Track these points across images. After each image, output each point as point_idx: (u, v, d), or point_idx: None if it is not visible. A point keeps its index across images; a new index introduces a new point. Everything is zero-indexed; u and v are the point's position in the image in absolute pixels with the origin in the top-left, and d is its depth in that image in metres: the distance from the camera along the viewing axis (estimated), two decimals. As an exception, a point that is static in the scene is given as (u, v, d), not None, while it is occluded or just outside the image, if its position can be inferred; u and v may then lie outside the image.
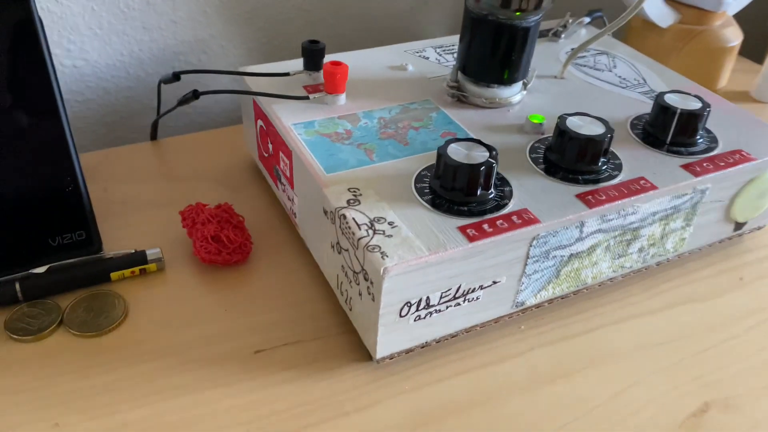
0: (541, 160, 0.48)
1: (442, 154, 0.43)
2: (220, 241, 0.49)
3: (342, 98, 0.53)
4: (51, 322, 0.44)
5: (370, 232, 0.40)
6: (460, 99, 0.55)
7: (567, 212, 0.43)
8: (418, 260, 0.39)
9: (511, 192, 0.45)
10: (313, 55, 0.55)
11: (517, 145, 0.50)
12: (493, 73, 0.53)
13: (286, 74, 0.55)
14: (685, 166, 0.48)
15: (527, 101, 0.56)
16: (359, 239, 0.40)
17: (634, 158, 0.49)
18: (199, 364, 0.43)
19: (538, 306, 0.47)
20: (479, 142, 0.44)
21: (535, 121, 0.51)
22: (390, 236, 0.40)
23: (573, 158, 0.46)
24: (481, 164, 0.42)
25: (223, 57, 0.77)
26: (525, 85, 0.56)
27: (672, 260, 0.53)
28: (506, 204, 0.43)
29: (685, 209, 0.49)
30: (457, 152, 0.43)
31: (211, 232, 0.49)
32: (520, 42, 0.51)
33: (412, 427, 0.40)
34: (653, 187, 0.46)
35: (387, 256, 0.38)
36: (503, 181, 0.45)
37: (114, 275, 0.48)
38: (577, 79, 0.60)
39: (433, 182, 0.44)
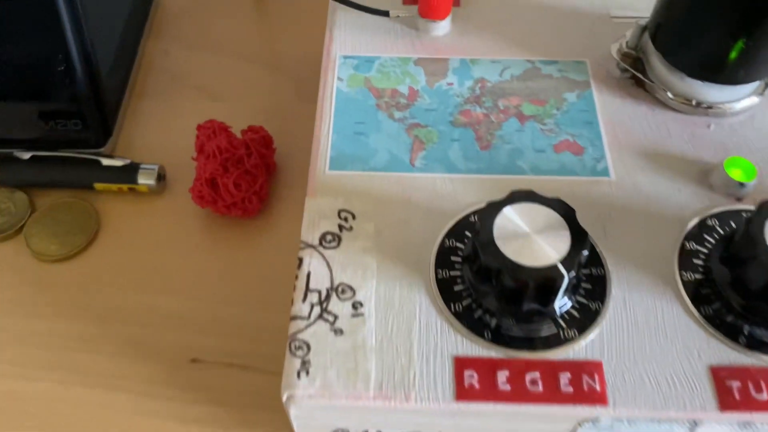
0: (699, 269, 0.26)
1: (482, 223, 0.24)
2: (217, 188, 0.37)
3: (441, 26, 0.34)
4: (11, 226, 0.38)
5: (317, 310, 0.25)
6: (636, 79, 0.32)
7: (671, 400, 0.23)
8: (350, 398, 0.23)
9: (596, 315, 0.25)
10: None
11: (675, 212, 0.28)
12: (703, 56, 0.29)
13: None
14: None
15: (762, 116, 0.31)
16: (294, 318, 0.25)
17: None
18: (118, 351, 0.34)
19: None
20: (567, 215, 0.24)
21: (734, 174, 0.28)
22: (340, 332, 0.24)
23: (757, 297, 0.24)
24: (532, 271, 0.23)
25: None
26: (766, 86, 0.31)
27: None
28: (571, 339, 0.24)
29: None
30: (511, 228, 0.24)
31: (208, 173, 0.36)
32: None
33: None
34: None
35: (306, 375, 0.24)
36: (596, 290, 0.26)
37: (98, 186, 0.39)
38: None
39: (467, 252, 0.26)
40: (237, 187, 0.36)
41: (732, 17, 0.27)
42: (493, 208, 0.24)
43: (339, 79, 0.32)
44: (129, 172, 0.38)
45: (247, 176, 0.37)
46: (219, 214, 0.38)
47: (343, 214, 0.27)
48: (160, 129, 0.42)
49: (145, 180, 0.38)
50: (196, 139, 0.38)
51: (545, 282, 0.23)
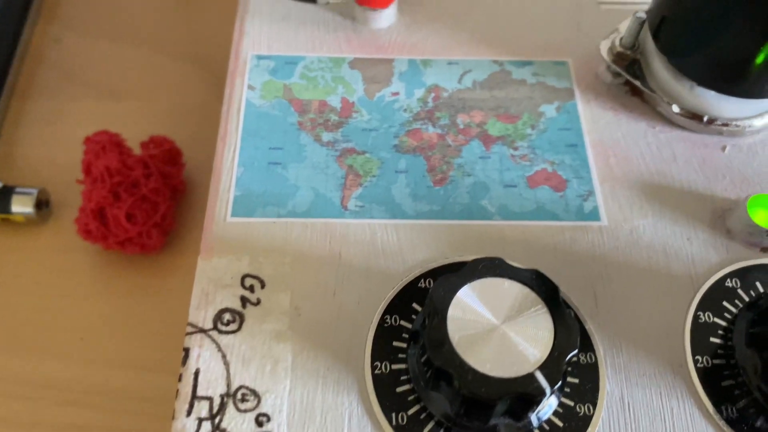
0: (719, 351, 0.20)
1: (432, 309, 0.17)
2: (107, 220, 0.29)
3: (384, 16, 0.26)
4: None
5: (207, 428, 0.18)
6: (632, 87, 0.25)
7: None
8: None
9: (586, 423, 0.19)
10: None
11: (684, 269, 0.21)
12: (721, 61, 0.22)
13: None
14: None
15: (786, 129, 0.25)
16: (173, 439, 0.18)
17: None
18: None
19: None
20: (548, 295, 0.17)
21: (760, 219, 0.21)
22: (236, 460, 0.18)
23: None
24: (500, 383, 0.16)
25: None
26: (798, 92, 0.24)
27: None
28: (553, 460, 0.18)
29: None
30: (470, 318, 0.17)
31: (95, 202, 0.29)
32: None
33: None
34: None
35: None
36: (584, 386, 0.19)
37: (-39, 215, 0.31)
38: None
39: (415, 329, 0.19)
40: (131, 218, 0.29)
41: (763, 8, 0.20)
42: (445, 288, 0.17)
43: (250, 87, 0.24)
44: (0, 198, 0.31)
45: (144, 204, 0.29)
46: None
47: (248, 282, 0.20)
48: (48, 139, 0.34)
49: (20, 208, 0.31)
50: (84, 155, 0.31)
51: (518, 397, 0.16)
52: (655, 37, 0.23)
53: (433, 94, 0.25)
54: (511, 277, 0.18)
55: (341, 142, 0.23)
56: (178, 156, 0.32)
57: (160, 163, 0.31)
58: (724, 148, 0.24)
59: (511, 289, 0.18)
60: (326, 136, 0.23)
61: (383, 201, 0.22)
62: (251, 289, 0.20)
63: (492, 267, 0.18)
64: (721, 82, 0.23)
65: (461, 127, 0.24)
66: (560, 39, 0.26)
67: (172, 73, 0.37)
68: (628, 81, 0.25)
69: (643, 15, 0.23)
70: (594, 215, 0.22)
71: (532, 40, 0.26)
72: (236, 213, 0.22)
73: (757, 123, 0.24)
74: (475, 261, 0.18)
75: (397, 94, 0.25)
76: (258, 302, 0.20)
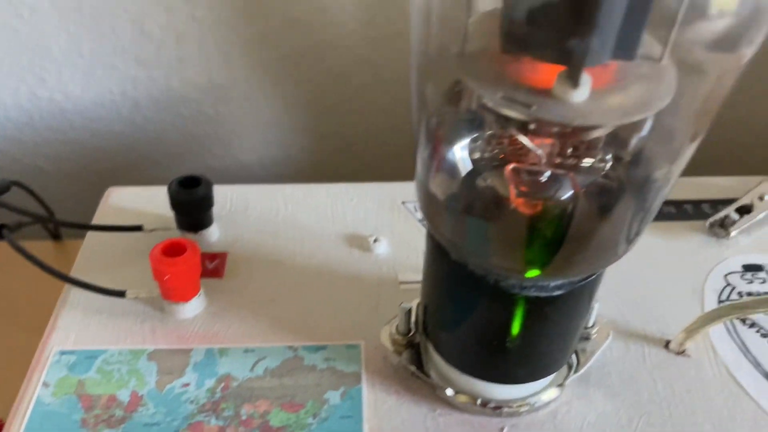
0: None
1: None
2: None
3: (189, 308, 0.28)
4: None
5: None
6: (412, 370, 0.26)
7: None
8: None
9: None
10: (183, 207, 0.30)
11: None
12: (468, 354, 0.24)
13: (138, 228, 0.32)
14: None
15: (566, 411, 0.25)
16: None
17: None
18: None
19: None
20: None
21: None
22: None
23: None
24: None
25: (250, 110, 0.55)
26: (570, 370, 0.25)
27: None
28: None
29: None
30: None
31: None
32: (541, 323, 0.22)
33: None
34: None
35: None
36: None
37: None
38: (715, 361, 0.27)
39: None
40: None
41: (489, 314, 0.22)
42: None
43: (44, 384, 0.25)
44: None
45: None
46: None
47: None
48: None
49: None
50: None
51: None
52: (424, 324, 0.25)
53: (222, 384, 0.25)
54: None
55: (118, 443, 0.24)
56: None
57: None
58: (502, 430, 0.24)
59: None
60: (106, 435, 0.24)
61: (146, 507, 0.22)
62: None
63: None
64: (477, 370, 0.24)
65: (244, 418, 0.24)
66: (357, 322, 0.28)
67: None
68: (409, 368, 0.26)
69: (408, 305, 0.25)
70: None
71: (330, 324, 0.28)
72: None
73: (535, 402, 0.25)
74: None
75: (187, 385, 0.25)
76: None
